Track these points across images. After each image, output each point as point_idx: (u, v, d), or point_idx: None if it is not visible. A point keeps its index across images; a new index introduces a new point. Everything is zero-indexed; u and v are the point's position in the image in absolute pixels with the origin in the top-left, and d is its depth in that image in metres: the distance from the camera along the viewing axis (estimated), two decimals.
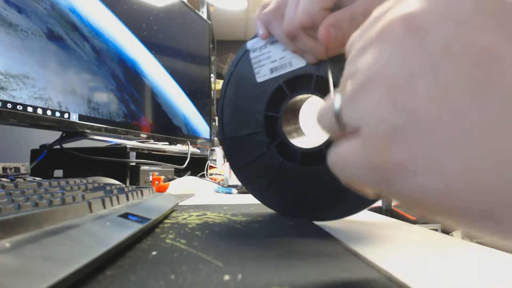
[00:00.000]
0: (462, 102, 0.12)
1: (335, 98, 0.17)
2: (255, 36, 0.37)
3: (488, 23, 0.12)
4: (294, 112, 0.40)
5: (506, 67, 0.12)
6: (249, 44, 0.37)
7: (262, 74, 0.37)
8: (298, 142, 0.38)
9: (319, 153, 0.35)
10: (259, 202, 0.40)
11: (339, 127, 0.17)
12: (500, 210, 0.12)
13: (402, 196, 0.14)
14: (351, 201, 0.34)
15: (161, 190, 0.74)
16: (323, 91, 0.35)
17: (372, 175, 0.15)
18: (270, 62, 0.36)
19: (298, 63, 0.35)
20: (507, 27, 0.12)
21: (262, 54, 0.37)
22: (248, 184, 0.40)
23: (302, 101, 0.40)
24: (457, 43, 0.13)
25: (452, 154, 0.12)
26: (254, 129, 0.38)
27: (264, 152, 0.38)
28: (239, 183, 0.90)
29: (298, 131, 0.41)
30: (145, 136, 0.88)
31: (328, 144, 0.35)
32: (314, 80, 0.35)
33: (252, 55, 0.37)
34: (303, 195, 0.37)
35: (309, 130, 0.41)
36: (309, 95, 0.37)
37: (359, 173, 0.16)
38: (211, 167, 1.11)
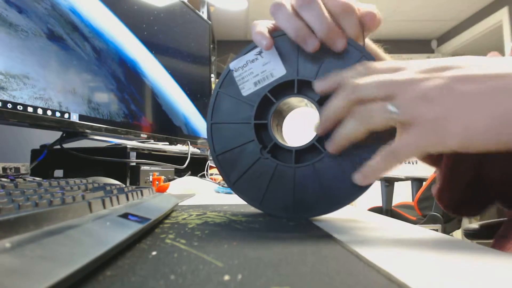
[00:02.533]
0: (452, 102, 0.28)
1: (388, 105, 0.29)
2: (235, 58, 0.40)
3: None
4: (276, 119, 0.42)
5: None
6: (232, 65, 0.41)
7: (247, 88, 0.40)
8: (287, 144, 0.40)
9: (311, 148, 0.37)
10: None
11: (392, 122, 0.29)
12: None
13: (446, 138, 0.28)
14: (344, 190, 0.36)
15: (161, 190, 0.74)
16: (304, 92, 0.38)
17: (431, 136, 0.28)
18: (253, 77, 0.40)
19: (278, 73, 0.39)
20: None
21: (244, 72, 0.40)
22: (247, 196, 0.40)
23: (284, 108, 0.43)
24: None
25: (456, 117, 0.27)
26: (246, 140, 0.40)
27: (258, 159, 0.39)
28: None
29: (280, 136, 0.43)
30: (145, 136, 0.88)
31: (318, 139, 0.37)
32: (296, 84, 0.38)
33: (235, 74, 0.40)
34: (302, 194, 0.37)
35: (292, 134, 0.44)
36: (292, 100, 0.40)
37: (423, 143, 0.28)
38: (211, 167, 1.11)
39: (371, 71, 0.32)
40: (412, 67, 0.31)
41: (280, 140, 0.39)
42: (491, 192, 0.48)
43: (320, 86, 0.35)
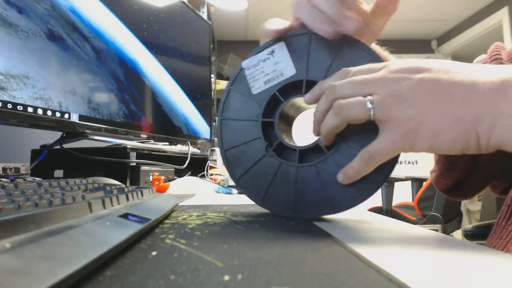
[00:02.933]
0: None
1: (366, 101, 0.31)
2: (248, 56, 0.42)
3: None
4: (284, 118, 0.43)
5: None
6: (244, 64, 0.42)
7: (257, 87, 0.41)
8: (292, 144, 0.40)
9: (316, 149, 0.38)
10: None
11: (367, 117, 0.31)
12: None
13: (416, 141, 0.30)
14: (345, 195, 0.36)
15: (161, 190, 0.74)
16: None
17: (403, 138, 0.30)
18: (264, 75, 0.41)
19: (288, 72, 0.40)
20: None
21: (256, 70, 0.41)
22: (250, 192, 0.41)
23: (294, 108, 0.44)
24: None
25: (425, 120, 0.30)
26: (252, 137, 0.40)
27: (263, 156, 0.40)
28: None
29: (289, 135, 0.44)
30: (145, 136, 0.88)
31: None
32: (304, 85, 0.39)
33: (247, 72, 0.41)
34: (303, 194, 0.38)
35: (299, 135, 0.45)
36: (299, 99, 0.41)
37: (395, 145, 0.31)
38: (211, 167, 1.11)
39: (350, 74, 0.34)
40: (388, 67, 0.32)
41: (286, 139, 0.40)
42: (488, 172, 0.50)
43: (308, 98, 0.37)
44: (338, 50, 0.38)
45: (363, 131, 0.35)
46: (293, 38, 0.40)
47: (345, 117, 0.32)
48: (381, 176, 0.34)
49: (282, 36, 0.40)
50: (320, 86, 0.36)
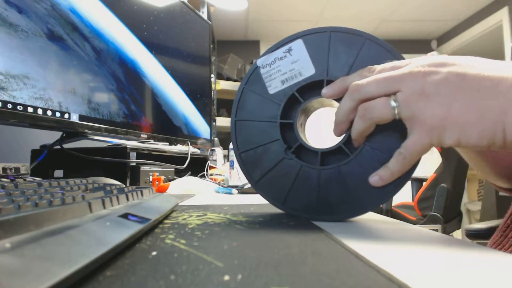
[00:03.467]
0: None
1: (390, 100, 0.31)
2: (264, 54, 0.40)
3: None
4: (301, 117, 0.41)
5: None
6: (259, 62, 0.40)
7: (274, 86, 0.39)
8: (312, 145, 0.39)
9: (337, 151, 0.37)
10: (259, 203, 0.40)
11: (392, 117, 0.31)
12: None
13: (444, 136, 0.30)
14: (369, 195, 0.36)
15: (161, 190, 0.74)
16: None
17: (430, 135, 0.30)
18: (281, 74, 0.39)
19: (307, 72, 0.38)
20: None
21: (272, 69, 0.39)
22: (269, 196, 0.40)
23: (310, 108, 0.42)
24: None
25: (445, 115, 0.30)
26: (270, 139, 0.39)
27: (283, 159, 0.38)
28: (239, 183, 0.90)
29: (305, 136, 0.42)
30: (145, 136, 0.88)
31: (346, 141, 0.36)
32: (325, 85, 0.37)
33: (262, 71, 0.39)
34: (326, 197, 0.37)
35: (314, 133, 0.43)
36: (319, 100, 0.39)
37: (425, 142, 0.31)
38: (211, 167, 1.11)
39: (374, 72, 0.34)
40: (413, 63, 0.32)
41: (304, 140, 0.39)
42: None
43: (327, 92, 0.36)
44: (359, 49, 0.37)
45: (386, 130, 0.34)
46: (311, 36, 0.38)
47: (370, 119, 0.32)
48: (406, 174, 0.34)
49: (299, 34, 0.39)
50: (341, 83, 0.35)
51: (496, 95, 0.28)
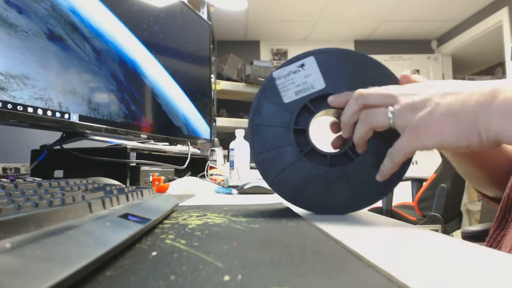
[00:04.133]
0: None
1: (388, 111, 0.38)
2: (280, 67, 0.45)
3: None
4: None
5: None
6: (275, 74, 0.45)
7: (289, 96, 0.44)
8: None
9: (343, 155, 0.43)
10: (259, 203, 0.40)
11: (388, 125, 0.38)
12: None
13: (427, 139, 0.36)
14: (369, 193, 0.43)
15: (161, 190, 0.74)
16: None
17: (416, 138, 0.37)
18: (295, 86, 0.44)
19: (318, 85, 0.44)
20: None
21: (287, 81, 0.44)
22: (284, 194, 0.44)
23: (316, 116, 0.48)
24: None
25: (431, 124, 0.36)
26: (285, 143, 0.44)
27: (295, 161, 0.44)
28: (239, 184, 0.90)
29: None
30: (145, 136, 0.88)
31: (351, 147, 0.43)
32: None
33: (278, 82, 0.45)
34: (333, 194, 0.43)
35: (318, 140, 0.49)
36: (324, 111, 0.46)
37: (410, 144, 0.37)
38: (211, 167, 1.11)
39: (375, 88, 0.41)
40: (407, 85, 0.40)
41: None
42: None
43: (333, 99, 0.43)
44: (363, 69, 0.44)
45: (383, 139, 0.41)
46: (321, 55, 0.44)
47: (371, 123, 0.39)
48: (401, 171, 0.41)
49: (311, 52, 0.44)
50: (347, 93, 0.42)
51: (468, 103, 0.35)
